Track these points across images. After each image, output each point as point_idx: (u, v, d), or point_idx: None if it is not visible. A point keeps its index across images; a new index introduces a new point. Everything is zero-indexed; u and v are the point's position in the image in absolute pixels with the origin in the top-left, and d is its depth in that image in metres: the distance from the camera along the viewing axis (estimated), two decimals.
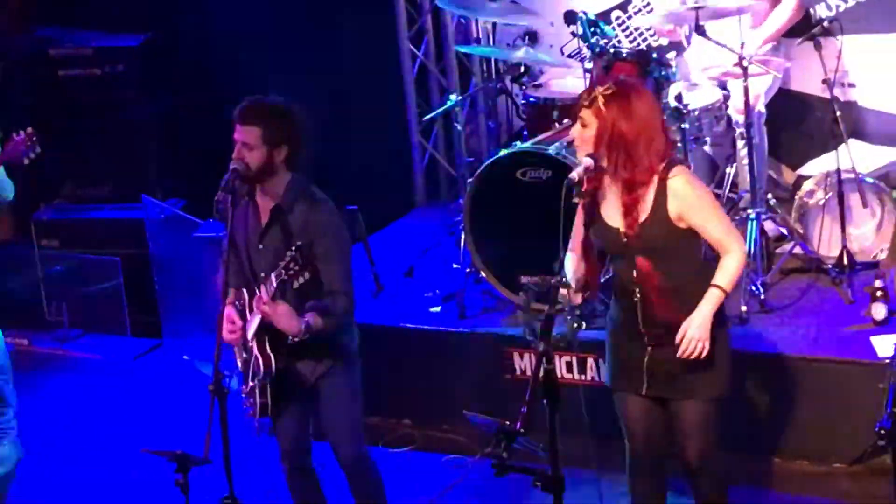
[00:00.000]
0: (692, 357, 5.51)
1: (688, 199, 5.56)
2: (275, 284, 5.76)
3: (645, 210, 5.58)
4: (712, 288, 5.53)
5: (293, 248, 5.67)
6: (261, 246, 6.05)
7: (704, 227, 5.57)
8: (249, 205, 6.04)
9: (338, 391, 6.22)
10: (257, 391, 6.07)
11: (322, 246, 5.85)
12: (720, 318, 5.72)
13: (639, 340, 5.67)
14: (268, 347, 6.02)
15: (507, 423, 5.25)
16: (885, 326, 7.05)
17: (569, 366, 7.23)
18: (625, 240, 5.61)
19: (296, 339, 5.90)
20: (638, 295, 5.63)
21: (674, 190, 5.55)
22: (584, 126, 5.51)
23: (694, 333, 5.51)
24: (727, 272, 5.57)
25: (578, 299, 5.69)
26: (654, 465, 5.95)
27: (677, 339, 5.53)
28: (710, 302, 5.53)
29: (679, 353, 5.53)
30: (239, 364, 6.15)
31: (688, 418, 5.75)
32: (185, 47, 9.58)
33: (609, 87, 5.49)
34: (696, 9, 7.57)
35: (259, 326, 5.96)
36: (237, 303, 6.08)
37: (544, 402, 5.18)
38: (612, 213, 5.65)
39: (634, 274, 5.62)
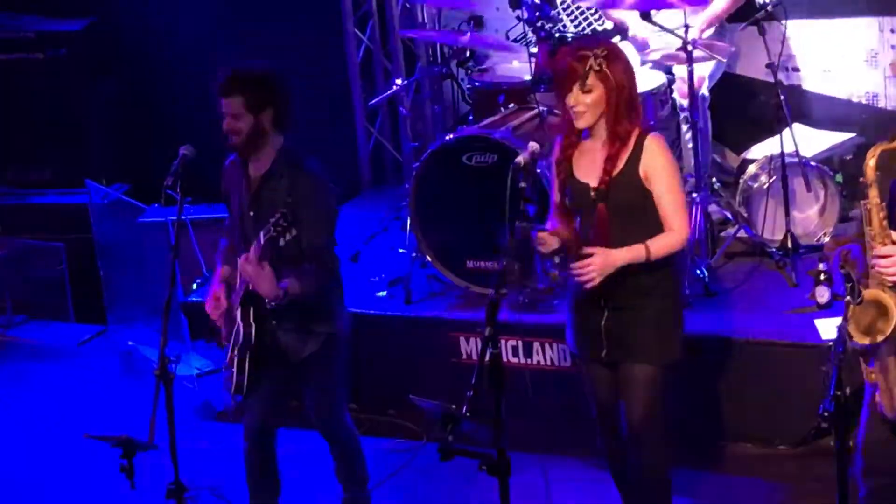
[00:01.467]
0: (582, 280, 5.52)
1: (658, 161, 5.63)
2: (262, 241, 5.72)
3: (618, 167, 5.63)
4: (640, 245, 5.56)
5: (281, 210, 5.68)
6: (251, 213, 6.06)
7: (661, 195, 5.62)
8: (243, 172, 6.07)
9: (323, 374, 6.24)
10: (235, 362, 6.05)
11: (305, 213, 5.83)
12: (676, 290, 5.85)
13: (597, 303, 5.69)
14: (250, 317, 6.03)
15: (454, 407, 5.26)
16: (828, 310, 7.09)
17: (514, 350, 7.25)
18: (593, 195, 5.65)
19: (272, 304, 5.88)
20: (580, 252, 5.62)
21: (648, 149, 5.62)
22: (587, 92, 5.54)
23: (596, 260, 5.50)
24: (662, 242, 5.60)
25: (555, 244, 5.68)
26: (620, 431, 5.96)
27: (577, 261, 5.54)
28: (629, 251, 5.55)
29: (572, 267, 5.55)
30: (225, 335, 6.16)
31: (635, 381, 5.77)
32: (127, 31, 9.54)
33: (603, 49, 5.59)
34: None
35: (245, 294, 5.97)
36: (228, 270, 6.11)
37: (493, 384, 5.20)
38: (584, 170, 5.70)
39: (588, 234, 5.65)
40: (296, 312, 5.97)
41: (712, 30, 8.00)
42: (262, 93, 5.99)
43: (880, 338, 5.15)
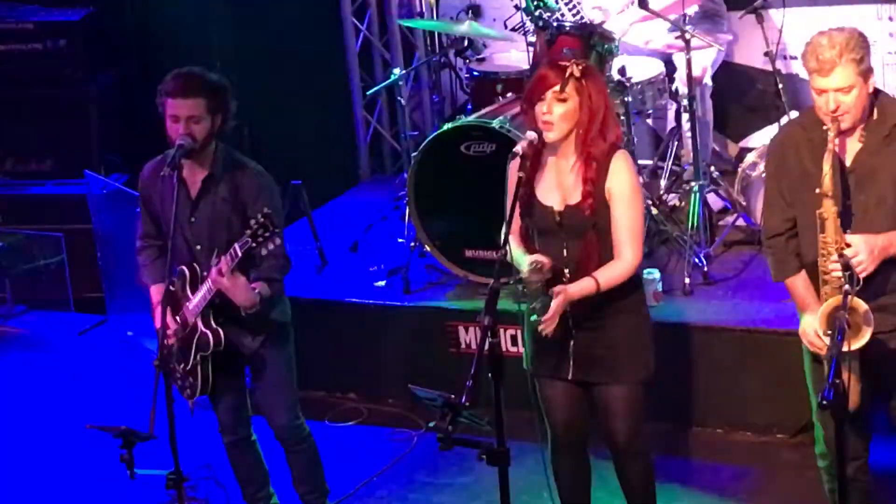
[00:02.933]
0: (544, 329, 5.49)
1: (623, 183, 5.57)
2: (240, 253, 5.71)
3: (581, 190, 5.61)
4: (589, 278, 5.50)
5: (261, 214, 5.65)
6: (193, 219, 6.06)
7: (619, 219, 5.55)
8: (178, 178, 5.96)
9: (272, 363, 6.27)
10: (199, 368, 6.07)
11: (257, 209, 5.82)
12: (640, 307, 5.80)
13: (564, 323, 5.62)
14: (212, 321, 6.03)
15: (453, 396, 5.27)
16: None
17: (513, 339, 7.24)
18: (558, 218, 5.62)
19: (249, 311, 5.91)
20: (567, 275, 5.60)
21: (616, 169, 5.57)
22: (562, 101, 5.50)
23: (560, 296, 5.45)
24: (610, 273, 5.54)
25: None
26: (576, 444, 5.97)
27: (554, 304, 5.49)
28: (580, 288, 5.50)
29: (542, 319, 5.49)
30: (176, 346, 6.12)
31: (614, 402, 5.77)
32: (127, 22, 9.53)
33: (580, 63, 5.54)
34: None
35: (207, 300, 5.96)
36: (172, 285, 6.05)
37: (489, 375, 5.20)
38: (547, 193, 5.65)
39: (565, 253, 5.62)
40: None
41: (710, 24, 8.00)
42: (219, 97, 6.00)
43: (859, 342, 5.19)
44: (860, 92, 5.27)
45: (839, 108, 5.25)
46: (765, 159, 5.77)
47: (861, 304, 5.16)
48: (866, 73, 5.29)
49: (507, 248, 5.48)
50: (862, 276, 5.20)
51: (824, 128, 5.26)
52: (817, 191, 5.19)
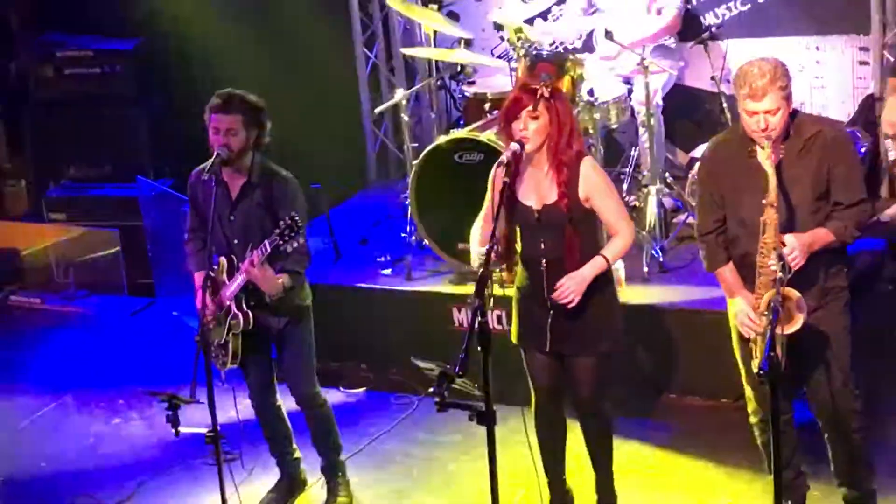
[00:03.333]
0: (564, 303, 5.55)
1: (596, 184, 5.62)
2: (269, 249, 5.78)
3: (560, 190, 5.61)
4: (598, 256, 5.59)
5: (288, 217, 5.71)
6: (232, 217, 6.10)
7: (603, 209, 5.63)
8: (217, 183, 5.98)
9: (295, 340, 6.30)
10: (230, 344, 6.10)
11: (287, 213, 5.84)
12: (609, 290, 5.81)
13: (543, 305, 5.68)
14: (244, 305, 6.04)
15: (448, 366, 5.26)
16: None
17: (499, 318, 7.22)
18: (536, 216, 5.64)
19: (272, 298, 5.94)
20: (543, 265, 5.64)
21: (585, 175, 5.60)
22: (534, 119, 5.52)
23: (570, 284, 5.55)
24: (614, 247, 5.65)
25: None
26: (554, 406, 5.99)
27: (556, 287, 5.57)
28: (592, 266, 5.58)
29: (555, 296, 5.57)
30: (214, 321, 6.14)
31: (582, 371, 5.81)
32: (170, 50, 9.51)
33: (548, 85, 5.57)
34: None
35: (241, 287, 5.99)
36: (212, 272, 6.07)
37: (479, 349, 5.19)
38: (527, 194, 5.68)
39: (542, 246, 5.64)
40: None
41: (660, 50, 7.98)
42: (255, 113, 6.03)
43: (793, 327, 5.20)
44: (783, 113, 5.29)
45: (768, 126, 5.26)
46: (697, 169, 5.77)
47: (794, 293, 5.18)
48: (788, 98, 5.32)
49: (495, 241, 5.50)
50: (795, 268, 5.22)
51: (759, 146, 5.27)
52: (764, 201, 5.21)
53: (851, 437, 5.72)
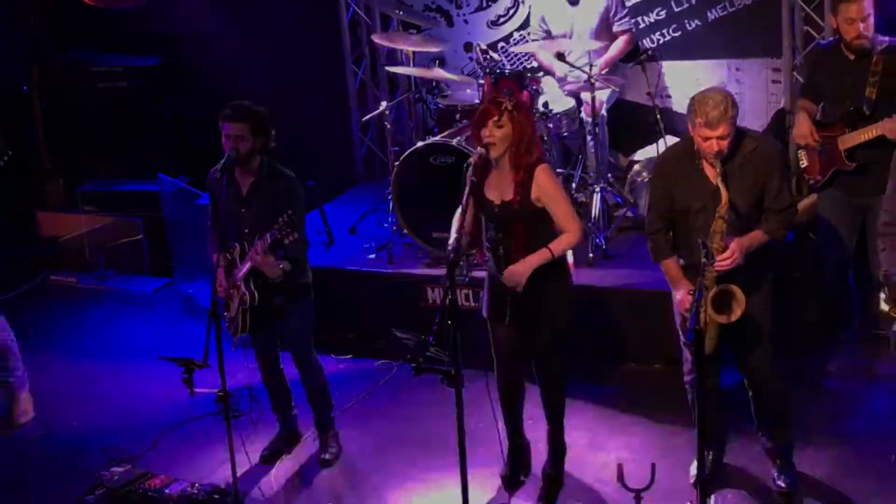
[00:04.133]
0: (513, 289, 5.60)
1: (547, 188, 5.64)
2: (269, 240, 5.84)
3: (517, 190, 5.64)
4: (545, 248, 5.61)
5: (285, 214, 5.76)
6: (243, 210, 6.12)
7: (553, 210, 5.64)
8: (228, 180, 6.04)
9: (295, 314, 6.33)
10: (240, 317, 6.13)
11: (289, 207, 5.88)
12: (561, 275, 5.83)
13: (504, 284, 5.70)
14: (252, 285, 6.06)
15: (423, 337, 5.28)
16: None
17: (467, 297, 7.25)
18: (496, 210, 5.67)
19: (274, 280, 5.98)
20: (501, 251, 5.70)
21: (538, 179, 5.62)
22: (500, 128, 5.56)
23: (516, 269, 5.59)
24: (560, 242, 5.65)
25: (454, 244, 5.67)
26: (514, 371, 6.01)
27: (506, 278, 5.63)
28: (537, 256, 5.61)
29: (503, 280, 5.63)
30: (227, 297, 6.19)
31: (540, 342, 5.83)
32: (187, 65, 9.49)
33: (513, 100, 5.61)
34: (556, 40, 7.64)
35: (248, 270, 6.01)
36: (226, 256, 6.10)
37: (449, 322, 5.20)
38: (490, 192, 5.71)
39: (500, 236, 5.70)
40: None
41: (608, 69, 8.00)
42: (260, 122, 6.05)
43: (734, 317, 5.25)
44: (731, 137, 5.31)
45: (720, 149, 5.30)
46: (651, 173, 5.79)
47: (738, 291, 5.24)
48: (735, 124, 5.33)
49: (463, 232, 5.54)
50: (732, 266, 5.28)
51: (710, 164, 5.33)
52: (717, 213, 5.27)
53: (773, 399, 5.78)
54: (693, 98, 5.37)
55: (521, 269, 5.59)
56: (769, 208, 5.43)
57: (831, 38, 6.50)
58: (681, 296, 5.55)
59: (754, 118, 8.16)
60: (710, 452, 5.96)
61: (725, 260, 5.28)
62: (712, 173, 5.33)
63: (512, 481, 6.13)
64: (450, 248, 5.46)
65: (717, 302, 5.25)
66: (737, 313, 5.24)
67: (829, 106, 6.47)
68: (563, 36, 8.00)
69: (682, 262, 5.62)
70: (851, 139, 6.29)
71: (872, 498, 5.77)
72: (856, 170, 6.32)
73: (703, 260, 5.23)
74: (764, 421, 5.87)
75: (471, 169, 5.57)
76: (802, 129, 6.45)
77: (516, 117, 5.57)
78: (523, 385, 6.06)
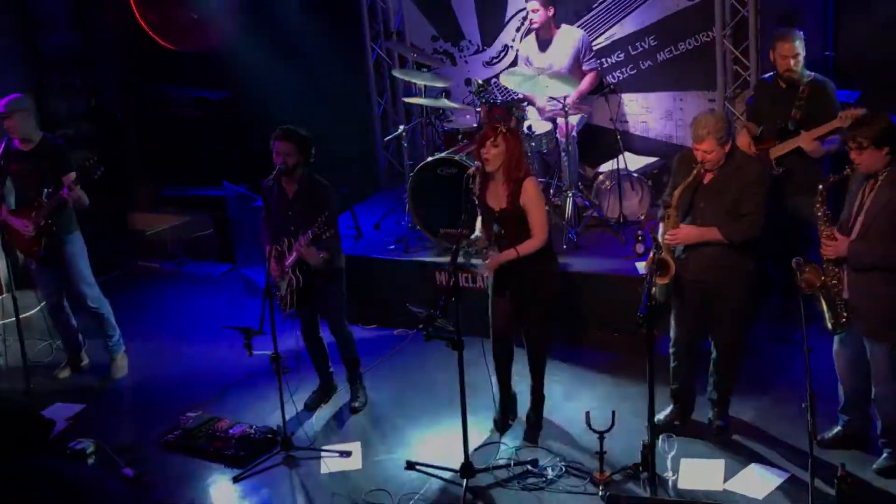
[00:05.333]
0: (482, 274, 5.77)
1: (531, 198, 5.65)
2: (311, 236, 5.85)
3: (510, 199, 5.65)
4: (512, 249, 5.64)
5: (323, 215, 5.83)
6: (289, 212, 6.11)
7: (530, 216, 5.65)
8: (278, 188, 6.03)
9: (333, 292, 6.32)
10: (288, 294, 6.12)
11: (326, 210, 5.87)
12: (551, 261, 5.85)
13: (508, 268, 5.72)
14: (297, 270, 6.05)
15: (432, 311, 5.28)
16: (642, 257, 7.09)
17: (467, 279, 7.23)
18: (496, 214, 5.67)
19: (315, 267, 5.97)
20: (505, 243, 5.72)
21: (525, 189, 5.63)
22: (495, 147, 5.58)
23: (493, 259, 5.68)
24: (526, 245, 5.66)
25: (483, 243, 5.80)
26: (506, 337, 6.01)
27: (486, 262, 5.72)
28: (506, 254, 5.67)
29: (486, 265, 5.72)
30: (278, 279, 6.15)
31: (531, 313, 5.84)
32: (245, 99, 9.46)
33: (507, 126, 5.67)
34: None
35: (295, 259, 5.99)
36: (277, 247, 6.09)
37: (453, 299, 5.19)
38: (491, 199, 5.70)
39: (502, 233, 5.72)
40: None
41: (578, 100, 7.97)
42: (303, 142, 6.06)
43: (667, 279, 5.28)
44: (718, 152, 5.32)
45: (704, 159, 5.31)
46: (673, 164, 5.79)
47: (670, 261, 5.30)
48: (723, 143, 5.35)
49: (462, 227, 5.57)
50: (671, 244, 5.33)
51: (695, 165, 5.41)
52: (665, 207, 5.43)
53: (730, 363, 5.78)
54: (695, 117, 5.46)
55: (494, 261, 5.67)
56: (734, 213, 5.39)
57: (772, 73, 6.54)
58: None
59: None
60: (678, 405, 5.95)
61: (671, 236, 5.35)
62: (707, 177, 5.36)
63: (502, 423, 6.12)
64: (455, 241, 5.54)
65: (659, 267, 5.29)
66: (668, 277, 5.33)
67: (765, 124, 6.50)
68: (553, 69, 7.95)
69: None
70: (779, 150, 6.37)
71: (787, 436, 5.77)
72: (783, 174, 6.38)
73: (668, 246, 5.34)
74: (716, 377, 5.86)
75: (471, 181, 5.63)
76: (742, 143, 6.50)
77: (509, 139, 5.60)
78: (513, 348, 6.05)
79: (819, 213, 5.13)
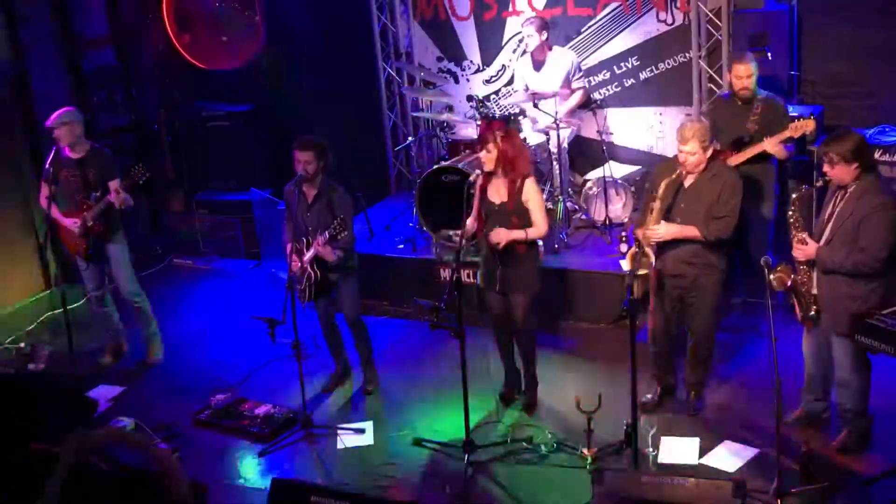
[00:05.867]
0: (495, 245, 5.60)
1: (531, 194, 5.64)
2: (328, 236, 5.82)
3: (512, 195, 5.65)
4: (521, 230, 5.63)
5: (339, 218, 5.82)
6: (308, 214, 6.10)
7: (532, 210, 5.65)
8: (298, 192, 6.02)
9: (347, 287, 6.31)
10: (307, 288, 6.12)
11: (341, 213, 5.87)
12: (535, 256, 5.83)
13: (495, 262, 5.69)
14: (315, 267, 6.03)
15: (437, 304, 5.27)
16: (625, 255, 7.08)
17: (469, 275, 7.23)
18: (497, 208, 5.66)
19: (332, 263, 5.95)
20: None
21: (526, 187, 5.62)
22: (489, 152, 5.58)
23: (500, 233, 5.61)
24: (531, 230, 5.67)
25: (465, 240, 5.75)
26: (505, 326, 5.99)
27: (492, 235, 5.64)
28: (516, 231, 5.63)
29: (490, 239, 5.63)
30: (298, 274, 6.14)
31: (516, 305, 5.81)
32: (273, 111, 9.47)
33: (501, 132, 5.62)
34: (533, 94, 7.59)
35: (313, 256, 5.99)
36: (296, 245, 6.08)
37: (456, 293, 5.19)
38: (492, 196, 5.70)
39: (498, 225, 5.69)
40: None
41: (568, 115, 7.97)
42: (322, 151, 6.04)
43: (646, 273, 5.29)
44: (700, 156, 5.32)
45: (687, 160, 5.31)
46: (651, 174, 5.81)
47: (651, 254, 5.28)
48: (705, 147, 5.34)
49: (465, 229, 5.55)
50: (654, 241, 5.32)
51: (678, 169, 5.42)
52: (654, 194, 5.36)
53: (705, 351, 5.77)
54: (681, 124, 5.46)
55: (503, 233, 5.61)
56: (710, 214, 5.40)
57: (728, 91, 6.56)
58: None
59: (672, 149, 8.10)
60: (659, 388, 5.95)
61: (652, 231, 5.34)
62: (688, 179, 5.38)
63: (507, 396, 6.12)
64: (457, 242, 5.50)
65: (637, 259, 5.31)
66: (647, 266, 5.33)
67: (723, 137, 6.51)
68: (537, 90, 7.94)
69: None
70: (736, 159, 6.41)
71: (755, 416, 5.77)
72: None
73: (649, 242, 5.33)
74: (691, 364, 5.85)
75: (475, 182, 5.62)
76: None
77: (501, 144, 5.60)
78: (512, 333, 6.06)
79: (792, 220, 5.14)
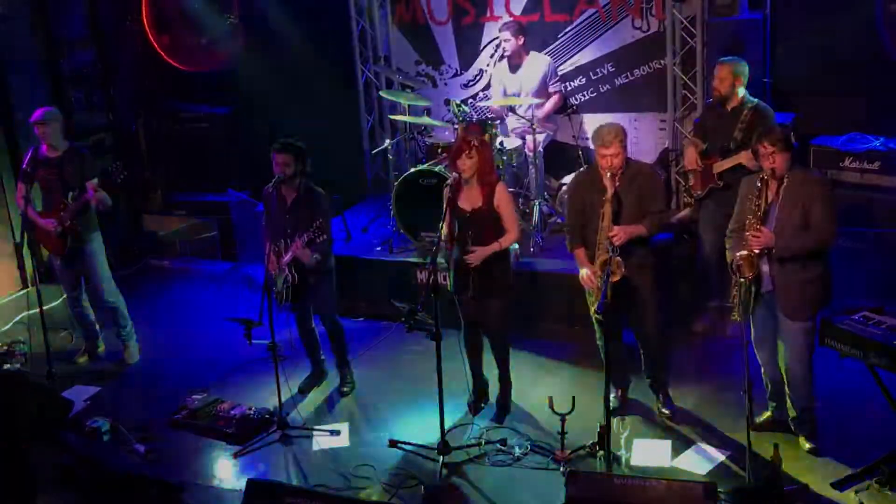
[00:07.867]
0: (471, 264, 5.62)
1: (502, 199, 5.66)
2: (306, 239, 5.79)
3: (484, 200, 5.65)
4: (496, 243, 5.65)
5: (317, 221, 5.79)
6: (287, 216, 6.07)
7: (503, 216, 5.69)
8: (277, 194, 5.99)
9: (324, 288, 6.28)
10: (285, 290, 6.09)
11: (320, 216, 5.84)
12: (507, 262, 5.82)
13: (468, 268, 5.68)
14: (293, 269, 6.02)
15: (413, 305, 5.27)
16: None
17: (444, 277, 7.19)
18: (467, 215, 5.67)
19: (309, 266, 5.94)
20: (470, 243, 5.70)
21: (498, 192, 5.63)
22: (469, 158, 5.59)
23: (479, 251, 5.62)
24: (505, 239, 5.69)
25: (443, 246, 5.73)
26: (475, 330, 6.00)
27: (469, 251, 5.66)
28: (489, 246, 5.64)
29: (467, 258, 5.65)
30: (276, 276, 6.11)
31: (490, 309, 5.83)
32: (248, 113, 9.42)
33: (479, 139, 5.66)
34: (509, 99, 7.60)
35: (290, 258, 5.96)
36: (275, 247, 6.05)
37: (432, 295, 5.18)
38: (463, 202, 5.70)
39: (470, 233, 5.72)
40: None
41: (544, 119, 7.98)
42: (301, 154, 6.02)
43: (615, 278, 5.28)
44: (622, 157, 5.34)
45: (612, 163, 5.32)
46: (567, 189, 5.85)
47: (618, 260, 5.27)
48: (625, 148, 5.37)
49: (441, 232, 5.54)
50: (617, 244, 5.31)
51: (605, 174, 5.37)
52: (604, 199, 5.34)
53: (656, 350, 5.79)
54: (594, 130, 5.46)
55: (480, 252, 5.61)
56: (646, 210, 5.46)
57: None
58: (584, 273, 5.56)
59: (647, 155, 8.15)
60: (620, 390, 5.96)
61: (614, 234, 5.34)
62: (609, 185, 5.36)
63: (476, 406, 6.12)
64: (434, 244, 5.49)
65: (605, 266, 5.30)
66: (617, 275, 5.28)
67: (710, 143, 6.56)
68: (515, 94, 7.97)
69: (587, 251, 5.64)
70: (722, 165, 6.48)
71: (726, 419, 5.80)
72: (724, 187, 6.45)
73: (608, 246, 5.31)
74: (648, 365, 5.88)
75: (448, 188, 5.59)
76: (690, 158, 6.62)
77: (481, 151, 5.61)
78: (482, 339, 6.05)
79: (754, 207, 5.18)
